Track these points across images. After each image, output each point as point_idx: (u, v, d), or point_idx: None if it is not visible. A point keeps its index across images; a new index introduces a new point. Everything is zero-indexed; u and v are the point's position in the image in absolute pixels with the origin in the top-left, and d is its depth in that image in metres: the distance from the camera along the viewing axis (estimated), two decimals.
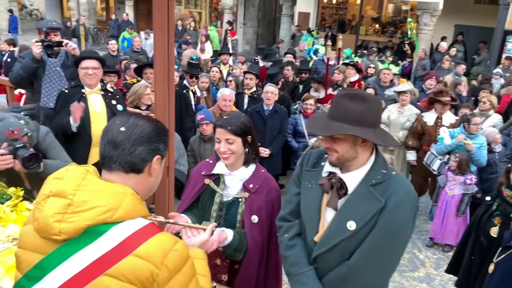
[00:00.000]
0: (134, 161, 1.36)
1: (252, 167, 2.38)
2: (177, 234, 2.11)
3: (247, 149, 2.31)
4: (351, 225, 1.82)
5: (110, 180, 1.37)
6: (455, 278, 4.50)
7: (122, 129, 1.37)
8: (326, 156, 1.97)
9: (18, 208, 2.30)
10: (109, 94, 3.96)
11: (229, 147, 2.24)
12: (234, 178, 2.35)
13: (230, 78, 6.39)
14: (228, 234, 2.22)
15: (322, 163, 2.00)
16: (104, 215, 1.25)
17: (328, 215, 1.92)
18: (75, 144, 3.82)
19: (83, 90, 3.84)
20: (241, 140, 2.26)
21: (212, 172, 2.38)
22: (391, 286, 3.84)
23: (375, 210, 1.80)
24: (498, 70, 9.62)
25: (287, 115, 5.65)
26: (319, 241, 1.91)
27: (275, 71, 6.52)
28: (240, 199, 2.33)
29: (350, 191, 1.87)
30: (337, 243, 1.85)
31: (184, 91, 5.73)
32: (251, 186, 2.32)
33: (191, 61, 6.15)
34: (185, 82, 5.89)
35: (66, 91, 3.90)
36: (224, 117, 2.30)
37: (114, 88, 4.19)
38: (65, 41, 4.36)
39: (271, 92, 5.31)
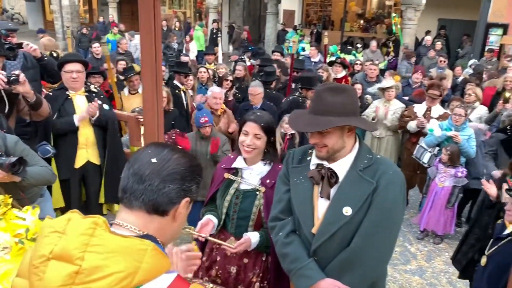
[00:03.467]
0: (160, 200, 1.17)
1: (269, 164, 2.47)
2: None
3: (267, 149, 2.41)
4: (347, 211, 1.88)
5: (130, 221, 1.17)
6: (447, 270, 4.57)
7: (154, 160, 1.18)
8: (310, 151, 2.05)
9: (7, 216, 2.26)
10: (94, 94, 3.98)
11: (255, 142, 2.34)
12: (252, 172, 2.45)
13: (229, 78, 6.40)
14: (251, 237, 2.33)
15: (308, 158, 2.07)
16: (121, 283, 1.00)
17: (321, 205, 1.97)
18: (62, 146, 3.82)
19: (67, 92, 3.85)
20: (266, 139, 2.36)
21: (232, 166, 2.50)
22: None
23: (368, 193, 1.87)
24: (473, 61, 9.74)
25: (276, 112, 5.65)
26: (317, 232, 1.95)
27: (273, 70, 6.53)
28: (257, 192, 2.41)
29: (340, 178, 1.94)
30: (336, 230, 1.90)
31: (176, 91, 5.74)
32: (268, 181, 2.41)
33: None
34: (175, 82, 5.87)
35: (51, 93, 3.92)
36: (258, 113, 2.41)
37: (98, 88, 4.21)
38: (25, 42, 4.31)
39: (256, 94, 5.34)
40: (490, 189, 3.16)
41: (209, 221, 2.41)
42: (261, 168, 2.45)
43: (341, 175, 1.94)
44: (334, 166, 1.95)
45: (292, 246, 2.04)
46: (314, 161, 2.02)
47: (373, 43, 11.72)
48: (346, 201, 1.90)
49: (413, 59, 10.05)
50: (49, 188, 3.51)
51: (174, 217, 1.22)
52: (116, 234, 1.08)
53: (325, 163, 1.97)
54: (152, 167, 1.17)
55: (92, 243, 1.03)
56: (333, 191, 1.95)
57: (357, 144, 1.99)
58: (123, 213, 1.20)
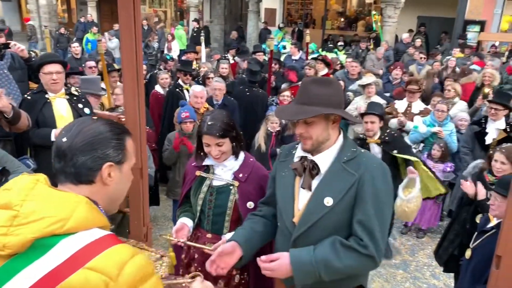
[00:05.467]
0: (79, 172, 1.26)
1: (241, 158, 2.48)
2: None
3: (234, 143, 2.40)
4: (328, 201, 1.91)
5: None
6: (430, 263, 4.64)
7: (64, 139, 1.27)
8: (297, 146, 2.09)
9: None
10: (75, 97, 3.84)
11: (220, 149, 2.34)
12: (224, 168, 2.45)
13: (211, 75, 6.42)
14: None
15: (293, 152, 2.11)
16: (52, 226, 1.14)
17: (302, 196, 2.01)
18: (42, 152, 3.71)
19: (46, 96, 3.70)
20: (229, 140, 2.35)
21: (203, 164, 2.49)
22: (369, 275, 3.91)
23: (350, 184, 1.90)
24: (448, 58, 9.91)
25: (237, 107, 5.76)
26: (299, 222, 1.98)
27: (257, 69, 6.57)
28: (231, 187, 2.42)
29: (323, 170, 1.96)
30: (317, 220, 1.93)
31: (177, 89, 5.78)
32: (240, 175, 2.43)
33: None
34: (179, 81, 5.95)
35: (29, 97, 3.74)
36: (209, 123, 2.34)
37: (79, 91, 4.06)
38: (12, 42, 4.22)
39: (218, 89, 5.50)
40: (469, 189, 3.23)
41: (183, 225, 2.41)
42: (233, 163, 2.45)
43: (324, 167, 1.96)
44: (317, 158, 1.97)
45: (253, 219, 2.22)
46: (298, 153, 2.05)
47: (381, 50, 10.72)
48: (327, 192, 1.92)
49: (438, 57, 10.10)
50: None
51: (103, 182, 1.30)
52: (55, 188, 1.24)
53: (309, 155, 2.00)
54: (64, 146, 1.26)
55: (32, 194, 1.18)
56: (315, 182, 1.97)
57: (341, 137, 2.01)
58: (59, 188, 1.30)
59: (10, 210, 1.15)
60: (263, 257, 1.95)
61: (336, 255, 1.87)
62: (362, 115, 4.42)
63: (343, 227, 1.94)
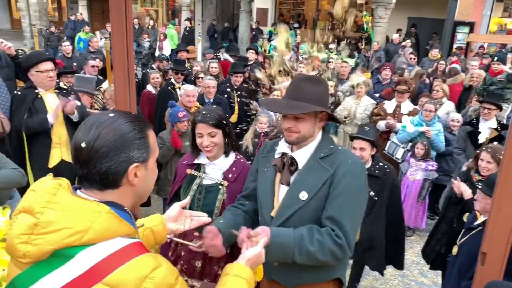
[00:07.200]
0: (104, 179, 1.20)
1: (231, 157, 2.52)
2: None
3: (226, 140, 2.44)
4: (303, 196, 1.95)
5: (88, 196, 1.24)
6: (418, 261, 4.70)
7: (83, 145, 1.19)
8: (279, 142, 2.14)
9: None
10: (64, 91, 3.92)
11: (212, 140, 2.38)
12: (215, 168, 2.49)
13: (201, 75, 6.45)
14: None
15: (276, 148, 2.15)
16: (70, 238, 1.11)
17: (281, 191, 2.05)
18: (35, 146, 3.75)
19: (37, 91, 3.77)
20: (221, 132, 2.40)
21: (194, 162, 2.53)
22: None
23: (325, 179, 1.94)
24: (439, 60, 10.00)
25: (228, 106, 5.84)
26: (275, 215, 2.02)
27: (240, 62, 6.63)
28: (220, 187, 2.45)
29: (300, 166, 2.01)
30: (292, 213, 1.97)
31: (169, 87, 5.81)
32: (230, 175, 2.47)
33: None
34: (172, 79, 6.00)
35: (19, 93, 3.83)
36: (203, 112, 2.41)
37: (68, 85, 4.19)
38: None
39: (211, 87, 5.53)
40: (459, 188, 3.28)
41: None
42: (223, 163, 2.49)
43: (302, 163, 2.01)
44: (296, 154, 2.02)
45: (229, 210, 2.22)
46: (279, 150, 2.10)
47: (435, 52, 9.99)
48: (303, 186, 1.96)
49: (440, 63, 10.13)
50: (24, 189, 3.43)
51: (130, 183, 1.24)
52: (77, 196, 1.19)
53: (289, 152, 2.05)
54: (84, 153, 1.19)
55: (53, 201, 1.14)
56: (293, 178, 2.02)
57: (320, 134, 2.06)
58: (83, 191, 1.26)
59: (32, 216, 1.13)
60: (251, 232, 1.81)
61: (310, 237, 1.88)
62: (352, 138, 3.78)
63: (318, 221, 1.97)
